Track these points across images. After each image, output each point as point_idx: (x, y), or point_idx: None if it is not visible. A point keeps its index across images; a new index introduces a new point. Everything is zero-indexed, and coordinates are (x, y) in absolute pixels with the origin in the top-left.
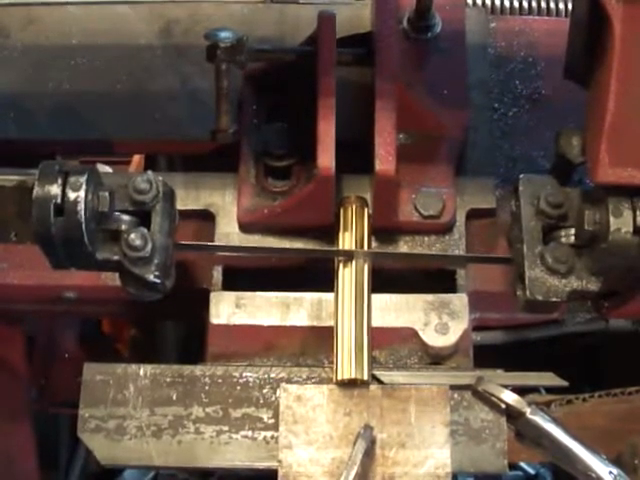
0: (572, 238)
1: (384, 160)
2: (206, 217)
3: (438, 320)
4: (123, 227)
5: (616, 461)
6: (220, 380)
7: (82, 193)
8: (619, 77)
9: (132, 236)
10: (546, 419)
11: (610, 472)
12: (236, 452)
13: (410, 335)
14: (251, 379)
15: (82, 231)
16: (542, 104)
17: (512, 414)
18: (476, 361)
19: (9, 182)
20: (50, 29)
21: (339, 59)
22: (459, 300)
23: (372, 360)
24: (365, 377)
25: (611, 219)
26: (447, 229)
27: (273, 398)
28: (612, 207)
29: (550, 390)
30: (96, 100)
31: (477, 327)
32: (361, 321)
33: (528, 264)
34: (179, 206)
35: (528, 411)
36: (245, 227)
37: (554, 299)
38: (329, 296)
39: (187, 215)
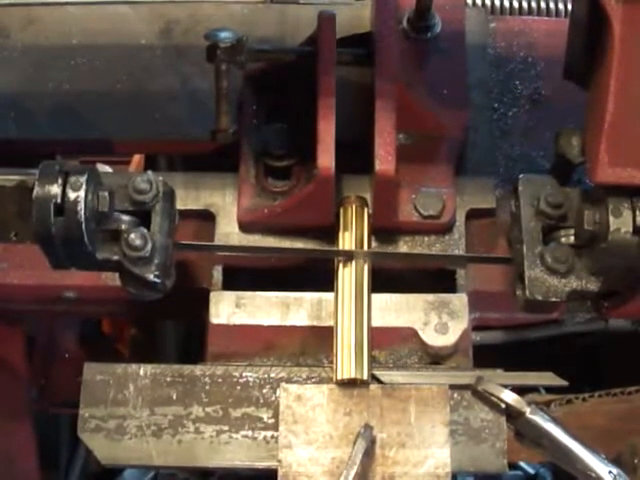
0: (572, 238)
1: (384, 160)
2: (206, 217)
3: (438, 320)
4: (123, 227)
5: (616, 461)
6: (220, 380)
7: (82, 193)
8: (619, 77)
9: (132, 236)
10: (546, 419)
11: (610, 472)
12: (236, 452)
13: (410, 335)
14: (251, 379)
15: (82, 231)
16: (542, 104)
17: (512, 414)
18: (476, 361)
19: (9, 182)
20: (50, 29)
21: (339, 59)
22: (459, 300)
23: (372, 360)
24: (365, 377)
25: (611, 219)
26: (447, 229)
27: (273, 398)
28: (612, 207)
29: (550, 390)
30: (96, 100)
31: (477, 327)
32: (361, 321)
33: (528, 264)
34: (179, 206)
35: (528, 411)
36: (245, 227)
37: (554, 299)
38: (329, 296)
39: (187, 215)
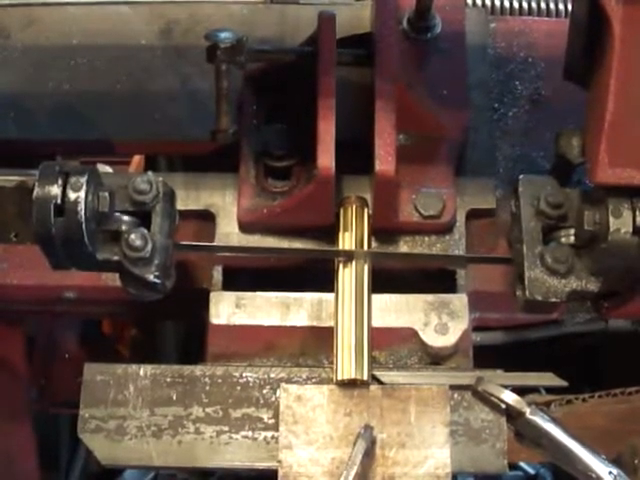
0: (572, 238)
1: (384, 160)
2: (206, 217)
3: (438, 320)
4: (123, 227)
5: (616, 461)
6: (220, 380)
7: (82, 193)
8: (619, 78)
9: (132, 236)
10: (546, 419)
11: (610, 472)
12: (236, 452)
13: (410, 335)
14: (251, 379)
15: (82, 231)
16: (542, 105)
17: (512, 414)
18: (476, 361)
19: (9, 182)
20: (50, 29)
21: (339, 59)
22: (459, 300)
23: (372, 360)
24: (365, 377)
25: (611, 219)
26: (447, 229)
27: (273, 398)
28: (612, 207)
29: (550, 390)
30: (96, 100)
31: (477, 327)
32: (361, 321)
33: (528, 264)
34: (179, 206)
35: (528, 411)
36: (245, 227)
37: (553, 299)
38: (329, 296)
39: (187, 215)
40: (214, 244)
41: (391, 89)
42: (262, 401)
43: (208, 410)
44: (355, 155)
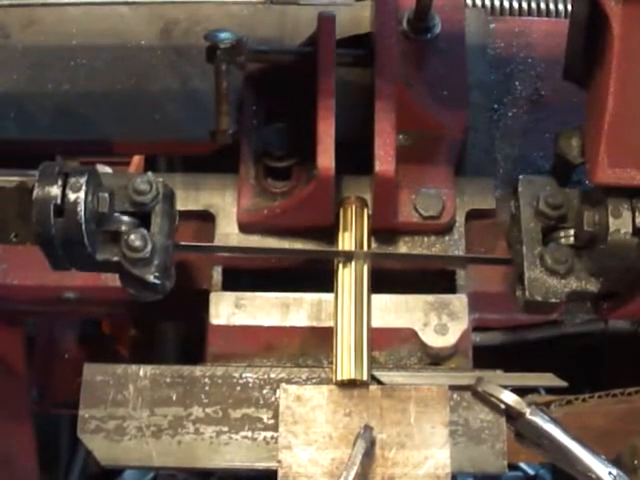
0: (571, 239)
1: (384, 161)
2: (206, 218)
3: (438, 321)
4: (123, 228)
5: (616, 462)
6: (220, 381)
7: (82, 194)
8: (618, 78)
9: (132, 237)
10: (546, 420)
11: (610, 472)
12: (236, 452)
13: (410, 336)
14: (251, 380)
15: (82, 232)
16: (541, 105)
17: (512, 415)
18: (475, 362)
19: (9, 183)
20: (50, 30)
21: (339, 60)
22: (459, 301)
23: (372, 360)
24: (365, 377)
25: (610, 220)
26: (447, 230)
27: (273, 399)
28: (611, 208)
29: (550, 390)
30: (96, 100)
31: (477, 328)
32: (361, 322)
33: (527, 265)
34: (179, 207)
35: (528, 412)
36: (245, 228)
37: (553, 300)
38: (329, 297)
39: (187, 216)
40: (214, 244)
41: (391, 89)
42: (262, 401)
43: (208, 410)
44: (355, 155)
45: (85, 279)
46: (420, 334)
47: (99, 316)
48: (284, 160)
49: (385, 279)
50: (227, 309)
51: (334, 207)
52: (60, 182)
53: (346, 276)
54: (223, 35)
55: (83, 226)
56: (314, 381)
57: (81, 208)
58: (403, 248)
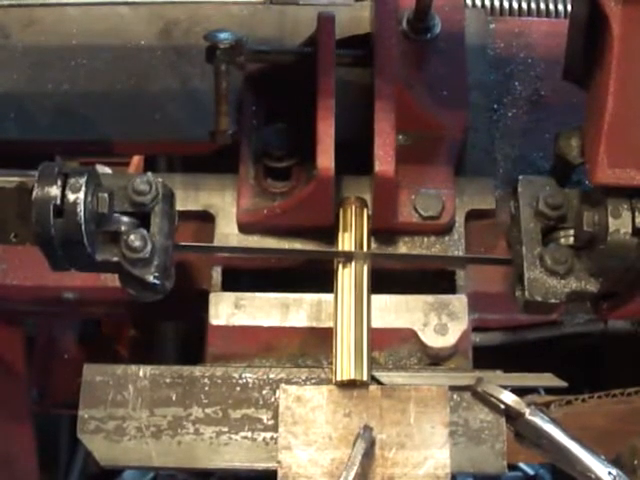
0: (571, 239)
1: (383, 161)
2: (206, 218)
3: (437, 321)
4: (122, 228)
5: (615, 462)
6: (219, 381)
7: (81, 195)
8: (618, 78)
9: (131, 237)
10: (545, 420)
11: (609, 473)
12: (235, 453)
13: (409, 336)
14: (250, 380)
15: (81, 232)
16: (541, 105)
17: (511, 415)
18: (475, 362)
19: (9, 183)
20: (50, 30)
21: (338, 60)
22: (458, 301)
23: (372, 361)
24: (364, 378)
25: (610, 220)
26: (446, 230)
27: (273, 399)
28: (611, 208)
29: (549, 391)
30: (96, 101)
31: (476, 328)
32: (361, 322)
33: (527, 265)
34: (179, 207)
35: (527, 412)
36: (244, 228)
37: (553, 300)
38: (329, 297)
39: (187, 216)
40: (213, 245)
41: (391, 89)
42: (261, 402)
43: (208, 411)
44: (355, 155)
45: (85, 279)
46: (420, 334)
47: (99, 316)
48: (284, 160)
49: (385, 279)
50: (227, 309)
51: (334, 207)
52: (60, 182)
53: (346, 276)
54: (223, 35)
55: (83, 226)
56: (314, 381)
57: (81, 208)
58: (403, 248)
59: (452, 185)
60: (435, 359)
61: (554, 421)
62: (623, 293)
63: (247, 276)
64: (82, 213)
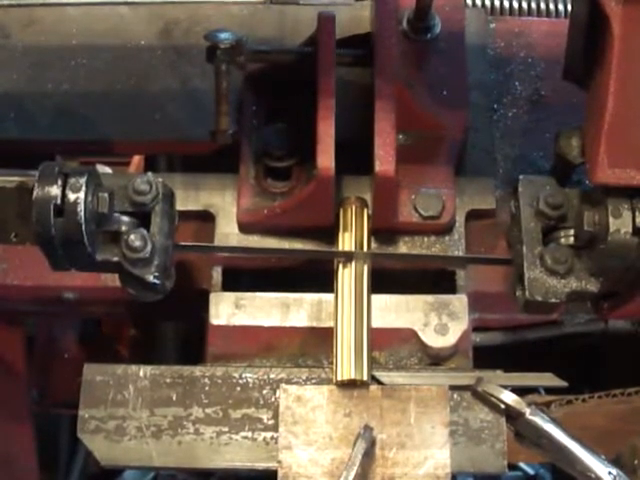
0: (571, 239)
1: (384, 161)
2: (206, 218)
3: (438, 321)
4: (123, 228)
5: (615, 461)
6: (220, 381)
7: (82, 194)
8: (618, 78)
9: (132, 237)
10: (545, 420)
11: (609, 472)
12: (236, 453)
13: (410, 336)
14: (251, 380)
15: (82, 232)
16: (541, 105)
17: (511, 415)
18: (475, 362)
19: (9, 183)
20: (50, 30)
21: (339, 60)
22: (459, 301)
23: (372, 361)
24: (365, 378)
25: (610, 220)
26: (447, 230)
27: (273, 399)
28: (611, 208)
29: (550, 391)
30: (96, 100)
31: (477, 328)
32: (361, 322)
33: (527, 265)
34: (179, 207)
35: (527, 412)
36: (245, 228)
37: (553, 300)
38: (329, 297)
39: (187, 216)
40: (214, 245)
41: (391, 89)
42: (262, 402)
43: (208, 411)
44: (355, 155)
45: (85, 279)
46: (420, 334)
47: (99, 316)
48: (284, 160)
49: (385, 279)
50: (227, 309)
51: (334, 207)
52: (60, 182)
53: (346, 276)
54: (223, 35)
55: (83, 226)
56: (314, 381)
57: (81, 208)
58: (403, 248)
59: (452, 185)
60: (435, 359)
61: (554, 421)
62: (623, 293)
63: (247, 276)
64: (82, 213)
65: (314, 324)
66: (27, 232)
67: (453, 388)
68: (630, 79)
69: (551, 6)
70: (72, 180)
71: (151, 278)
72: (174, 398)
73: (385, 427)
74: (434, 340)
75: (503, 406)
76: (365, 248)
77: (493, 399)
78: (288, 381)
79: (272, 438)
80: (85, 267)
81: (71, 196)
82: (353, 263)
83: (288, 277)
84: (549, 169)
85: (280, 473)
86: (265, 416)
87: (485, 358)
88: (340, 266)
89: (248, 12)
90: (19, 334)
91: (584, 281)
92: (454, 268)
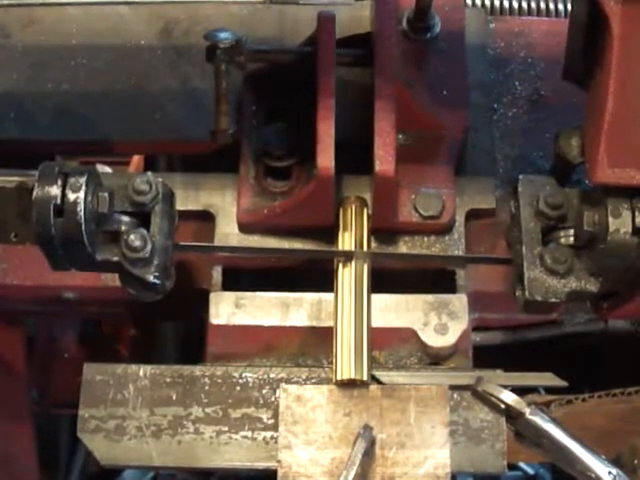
0: (571, 239)
1: (383, 161)
2: (206, 218)
3: (438, 320)
4: (123, 228)
5: (615, 461)
6: (220, 380)
7: (82, 194)
8: (618, 78)
9: (132, 237)
10: (545, 419)
11: (609, 472)
12: (236, 452)
13: (410, 335)
14: (251, 379)
15: (82, 232)
16: (541, 105)
17: (511, 414)
18: (475, 361)
19: (9, 183)
20: (50, 30)
21: (339, 60)
22: (458, 300)
23: (372, 360)
24: (365, 377)
25: (610, 220)
26: (447, 229)
27: (273, 398)
28: (611, 208)
29: (549, 390)
30: (96, 100)
31: (476, 327)
32: (361, 321)
33: (527, 265)
34: (179, 207)
35: (527, 411)
36: (245, 228)
37: (553, 299)
38: (329, 296)
39: (187, 216)
40: (214, 244)
41: (391, 89)
42: (262, 401)
43: (208, 410)
44: (355, 155)
45: (85, 279)
46: (420, 334)
47: (99, 316)
48: (284, 160)
49: (385, 279)
50: (227, 309)
51: (334, 207)
52: (60, 182)
53: (346, 276)
54: (223, 35)
55: (83, 226)
56: (314, 381)
57: (81, 208)
58: (403, 248)
59: (452, 185)
60: (435, 359)
61: (554, 421)
62: (623, 293)
63: (247, 276)
64: (82, 213)
65: (314, 324)
66: (27, 232)
67: (453, 388)
68: (630, 79)
69: (551, 6)
70: (72, 180)
71: (151, 278)
72: (174, 398)
73: (385, 427)
74: (434, 340)
75: (503, 406)
76: (365, 248)
77: (493, 399)
78: (288, 381)
79: (272, 438)
80: (85, 267)
81: (71, 196)
82: (353, 263)
83: (288, 277)
84: (549, 169)
85: (280, 473)
86: (265, 416)
87: (485, 358)
88: (340, 266)
89: (248, 12)
90: (19, 334)
91: (584, 281)
92: (454, 268)
